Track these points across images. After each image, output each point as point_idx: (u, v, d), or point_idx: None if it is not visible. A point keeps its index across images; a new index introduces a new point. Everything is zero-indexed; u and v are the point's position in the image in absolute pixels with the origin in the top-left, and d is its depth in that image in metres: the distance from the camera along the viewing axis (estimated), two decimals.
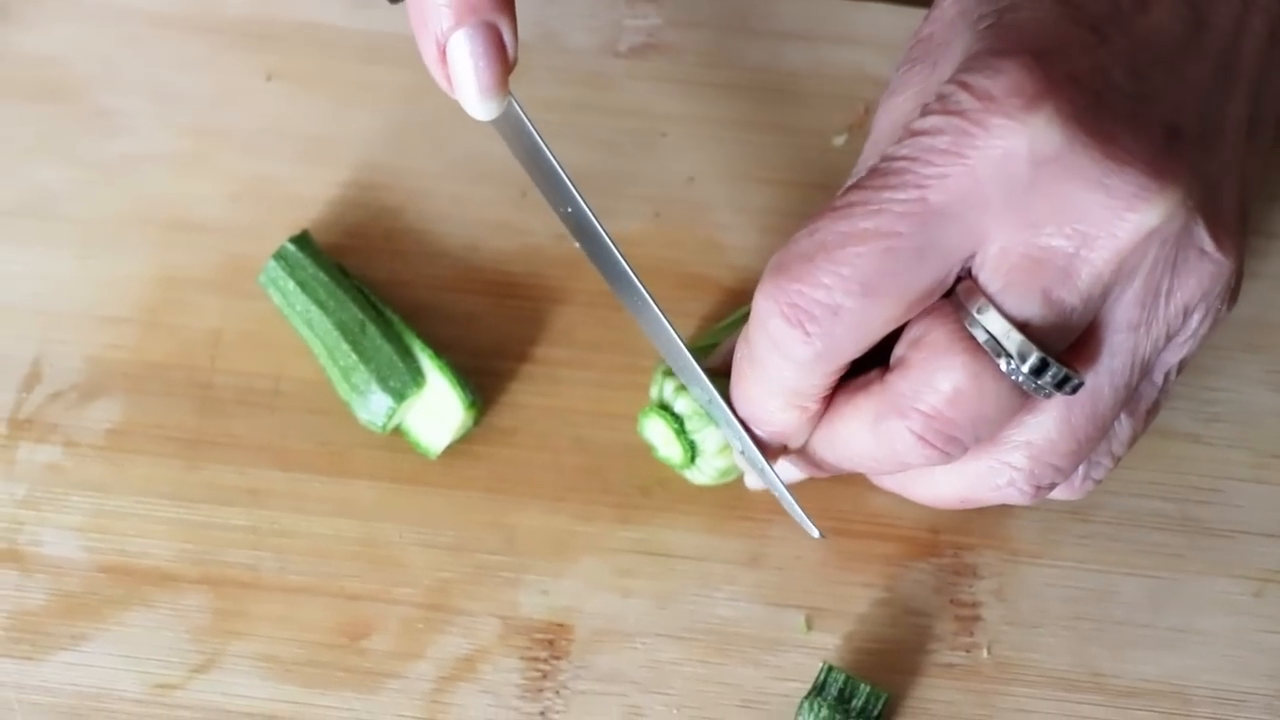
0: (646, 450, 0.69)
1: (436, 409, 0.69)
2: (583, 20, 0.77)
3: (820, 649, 0.68)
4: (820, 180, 0.74)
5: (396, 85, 0.75)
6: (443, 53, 0.62)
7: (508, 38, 0.62)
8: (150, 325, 0.72)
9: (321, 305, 0.70)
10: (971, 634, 0.68)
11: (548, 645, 0.68)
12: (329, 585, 0.68)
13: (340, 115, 0.75)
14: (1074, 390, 0.60)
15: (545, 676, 0.67)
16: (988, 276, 0.59)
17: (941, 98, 0.59)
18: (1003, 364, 0.59)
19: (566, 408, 0.71)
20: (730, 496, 0.70)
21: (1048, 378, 0.59)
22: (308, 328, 0.70)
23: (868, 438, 0.62)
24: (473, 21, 0.61)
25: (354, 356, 0.69)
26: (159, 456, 0.70)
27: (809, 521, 0.66)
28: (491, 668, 0.68)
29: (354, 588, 0.68)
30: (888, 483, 0.67)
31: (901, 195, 0.59)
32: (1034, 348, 0.59)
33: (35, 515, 0.69)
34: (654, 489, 0.70)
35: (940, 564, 0.69)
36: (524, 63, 0.75)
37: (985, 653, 0.68)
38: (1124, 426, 0.64)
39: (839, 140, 0.75)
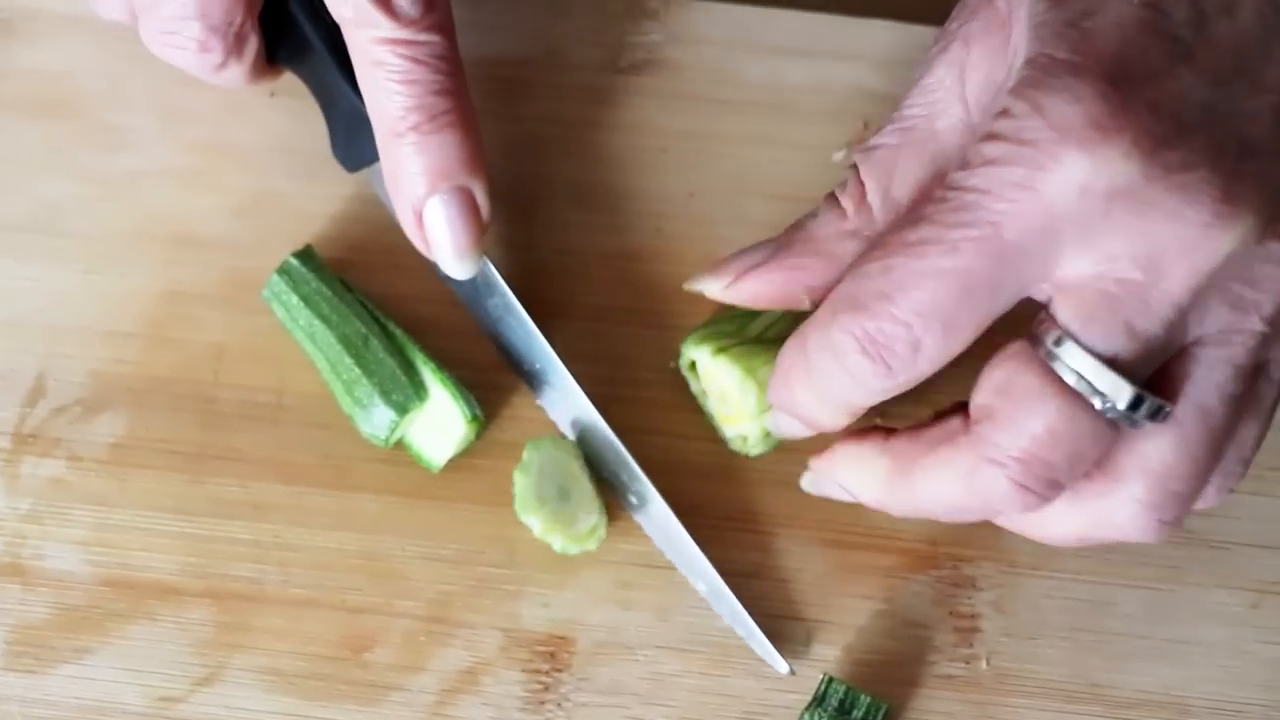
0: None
1: (439, 422, 0.70)
2: (585, 36, 0.77)
3: (820, 660, 0.68)
4: (821, 195, 0.74)
5: None
6: (419, 218, 0.65)
7: (480, 199, 0.66)
8: (154, 340, 0.72)
9: (324, 319, 0.70)
10: (970, 645, 0.69)
11: (549, 658, 0.68)
12: (331, 598, 0.69)
13: None
14: (1165, 418, 0.59)
15: (547, 689, 0.68)
16: (1065, 312, 0.59)
17: (1011, 116, 0.58)
18: (1096, 402, 0.58)
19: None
20: (731, 508, 0.70)
21: (1143, 411, 0.59)
22: (311, 342, 0.71)
23: (958, 489, 0.61)
24: (446, 187, 0.65)
25: (357, 370, 0.70)
26: (162, 470, 0.70)
27: (777, 655, 0.67)
28: (493, 680, 0.68)
29: (356, 600, 0.69)
30: (1000, 519, 0.65)
31: (975, 232, 0.58)
32: (1126, 383, 0.58)
33: (39, 529, 0.69)
34: None
35: (939, 576, 0.70)
36: (525, 79, 0.76)
37: (984, 664, 0.68)
38: (1250, 429, 0.63)
39: (838, 155, 0.75)
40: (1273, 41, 0.60)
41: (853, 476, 0.64)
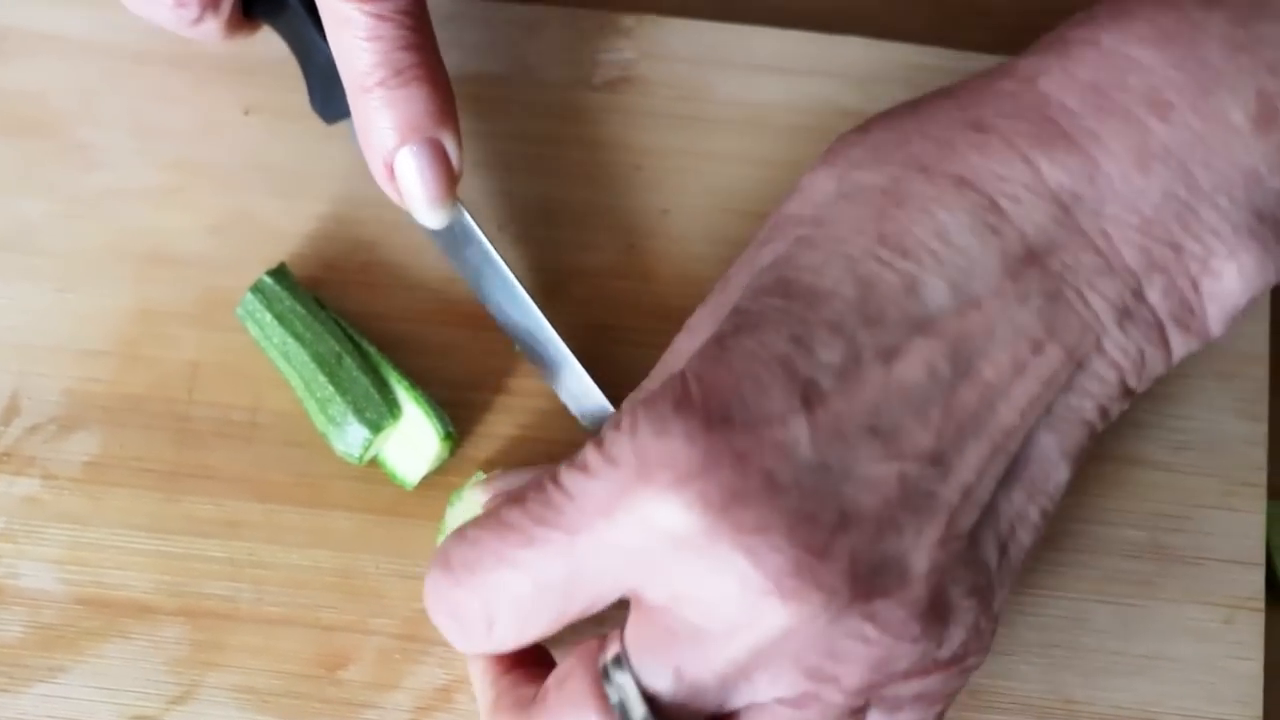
0: None
1: (413, 440, 0.70)
2: (557, 54, 0.77)
3: None
4: None
5: None
6: (390, 170, 0.66)
7: (451, 149, 0.66)
8: (128, 358, 0.72)
9: (298, 337, 0.70)
10: None
11: None
12: (306, 616, 0.69)
13: (318, 149, 0.75)
14: None
15: None
16: (631, 631, 0.58)
17: (616, 428, 0.57)
18: None
19: (542, 438, 0.71)
20: None
21: None
22: (285, 360, 0.71)
23: None
24: (416, 139, 0.66)
25: (330, 388, 0.70)
26: (137, 489, 0.70)
27: None
28: (468, 698, 0.68)
29: (331, 619, 0.69)
30: None
31: (553, 535, 0.58)
32: None
33: (13, 548, 0.69)
34: None
35: None
36: (498, 96, 0.76)
37: None
38: None
39: None
40: (934, 400, 0.58)
41: (474, 671, 0.64)
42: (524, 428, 0.71)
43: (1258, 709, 0.69)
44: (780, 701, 0.58)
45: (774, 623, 0.55)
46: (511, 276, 0.70)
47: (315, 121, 0.75)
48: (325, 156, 0.75)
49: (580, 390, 0.70)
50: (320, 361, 0.70)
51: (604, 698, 0.58)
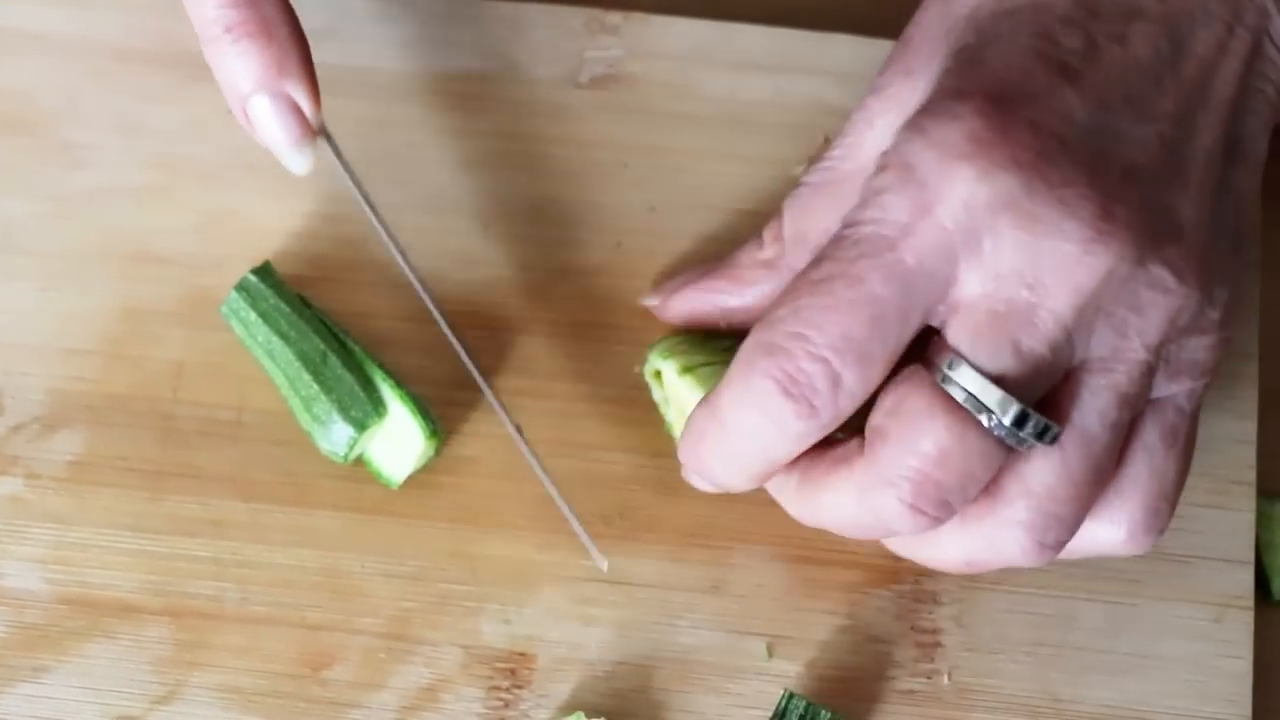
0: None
1: (398, 439, 0.69)
2: (544, 52, 0.77)
3: (781, 676, 0.68)
4: (781, 210, 0.74)
5: (357, 117, 0.75)
6: (246, 117, 0.68)
7: (302, 101, 0.68)
8: (113, 357, 0.72)
9: (283, 336, 0.70)
10: (932, 660, 0.69)
11: (510, 674, 0.68)
12: (291, 616, 0.69)
13: None
14: (1054, 440, 0.60)
15: (507, 706, 0.68)
16: (956, 333, 0.60)
17: (899, 147, 0.60)
18: (983, 419, 0.59)
19: (528, 437, 0.71)
20: (692, 524, 0.70)
21: (1029, 429, 0.60)
22: (269, 358, 0.70)
23: (854, 508, 0.62)
24: (269, 90, 0.67)
25: (315, 387, 0.69)
26: (121, 488, 0.70)
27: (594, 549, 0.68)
28: (454, 697, 0.68)
29: (316, 618, 0.69)
30: (892, 543, 0.66)
31: (876, 260, 0.60)
32: (1013, 400, 0.59)
33: None
34: (615, 518, 0.70)
35: (901, 591, 0.69)
36: (485, 94, 0.76)
37: (946, 679, 0.68)
38: (1170, 465, 0.63)
39: (799, 170, 0.75)
40: (1165, 72, 0.62)
41: (747, 483, 0.65)
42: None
43: (1246, 708, 0.68)
44: (1099, 363, 0.61)
45: (1093, 268, 0.59)
46: (370, 211, 0.70)
47: None
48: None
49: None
50: (305, 360, 0.70)
51: (950, 399, 0.60)
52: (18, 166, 0.75)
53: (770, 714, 0.67)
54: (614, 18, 0.77)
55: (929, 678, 0.68)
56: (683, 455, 0.65)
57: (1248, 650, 0.69)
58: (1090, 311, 0.60)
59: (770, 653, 0.68)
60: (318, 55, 0.74)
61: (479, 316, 0.73)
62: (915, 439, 0.60)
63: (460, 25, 0.77)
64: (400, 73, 0.76)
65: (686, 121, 0.76)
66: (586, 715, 0.66)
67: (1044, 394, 0.61)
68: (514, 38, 0.77)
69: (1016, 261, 0.59)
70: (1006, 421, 0.59)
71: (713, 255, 0.73)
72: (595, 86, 0.77)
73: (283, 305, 0.70)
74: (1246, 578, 0.70)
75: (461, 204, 0.74)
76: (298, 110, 0.67)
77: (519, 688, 0.68)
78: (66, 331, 0.72)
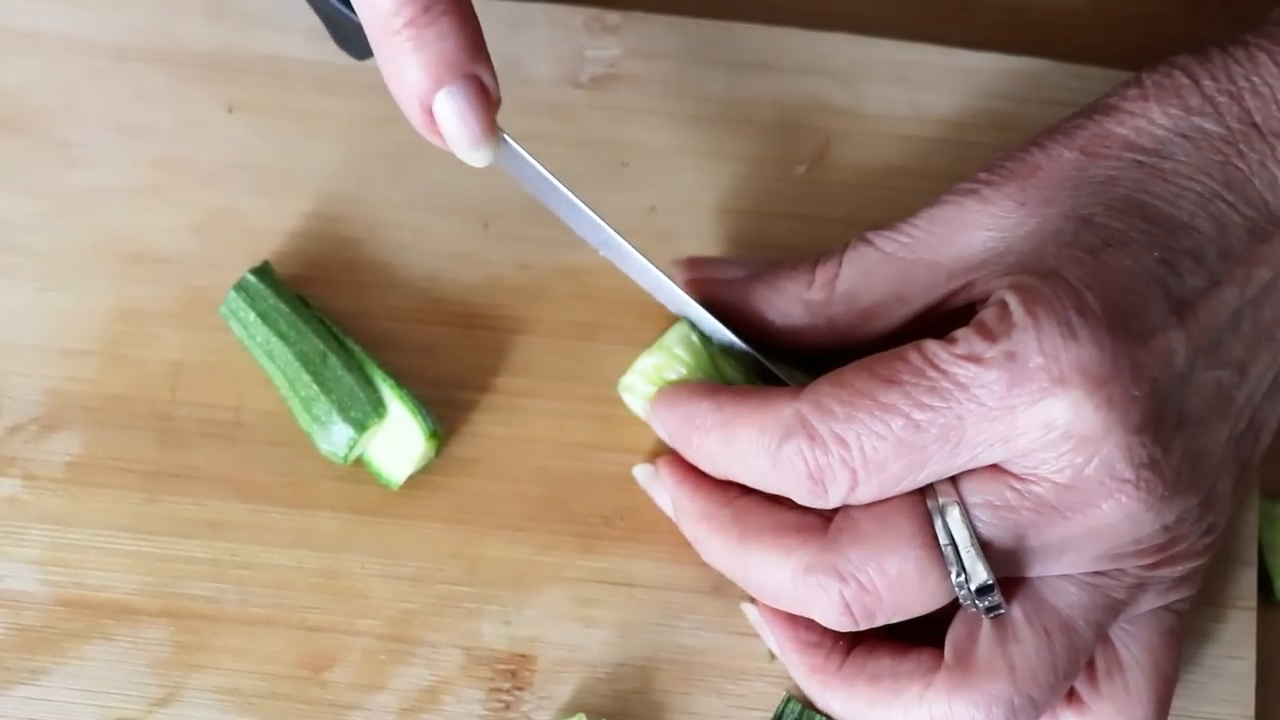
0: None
1: (398, 439, 0.69)
2: (544, 51, 0.77)
3: (783, 678, 0.68)
4: (782, 209, 0.74)
5: (357, 116, 0.75)
6: (429, 114, 0.62)
7: (489, 82, 0.62)
8: (111, 357, 0.72)
9: (282, 336, 0.70)
10: None
11: (510, 676, 0.68)
12: (290, 617, 0.68)
13: (301, 147, 0.75)
14: (997, 616, 0.63)
15: (508, 707, 0.67)
16: (973, 491, 0.62)
17: (1009, 320, 0.61)
18: (952, 572, 0.62)
19: (528, 438, 0.71)
20: None
21: (986, 600, 0.62)
22: (269, 359, 0.70)
23: (787, 580, 0.64)
24: (452, 78, 0.61)
25: (315, 387, 0.69)
26: (119, 489, 0.70)
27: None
28: (454, 699, 0.67)
29: (315, 619, 0.68)
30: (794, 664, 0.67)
31: (940, 420, 0.61)
32: (988, 572, 0.62)
33: None
34: (616, 519, 0.70)
35: None
36: None
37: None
38: (1169, 662, 0.66)
39: (800, 170, 0.75)
40: (1245, 317, 0.64)
41: (693, 512, 0.67)
42: (510, 426, 0.71)
43: (1249, 708, 0.68)
44: (1066, 579, 0.63)
45: (1119, 509, 0.61)
46: (575, 199, 0.67)
47: (299, 119, 0.74)
48: (309, 154, 0.75)
49: (652, 284, 0.70)
50: (304, 360, 0.69)
51: (934, 535, 0.62)
52: (14, 166, 0.74)
53: (771, 716, 0.66)
54: (614, 17, 0.77)
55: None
56: (659, 412, 0.67)
57: (1250, 651, 0.69)
58: (1091, 538, 0.62)
59: (771, 654, 0.68)
60: (316, 54, 0.74)
61: (478, 316, 0.72)
62: (886, 554, 0.62)
63: None
64: None
65: (687, 121, 0.76)
66: (588, 717, 0.66)
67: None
68: (514, 37, 0.77)
69: (1057, 478, 0.61)
70: (972, 586, 0.62)
71: (714, 255, 0.73)
72: (595, 86, 0.76)
73: (282, 305, 0.70)
74: (1249, 578, 0.70)
75: (461, 203, 0.74)
76: (488, 96, 0.62)
77: (520, 689, 0.68)
78: (64, 331, 0.72)
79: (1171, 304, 0.62)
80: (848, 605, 0.62)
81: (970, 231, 0.65)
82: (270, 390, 0.71)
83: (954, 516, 0.62)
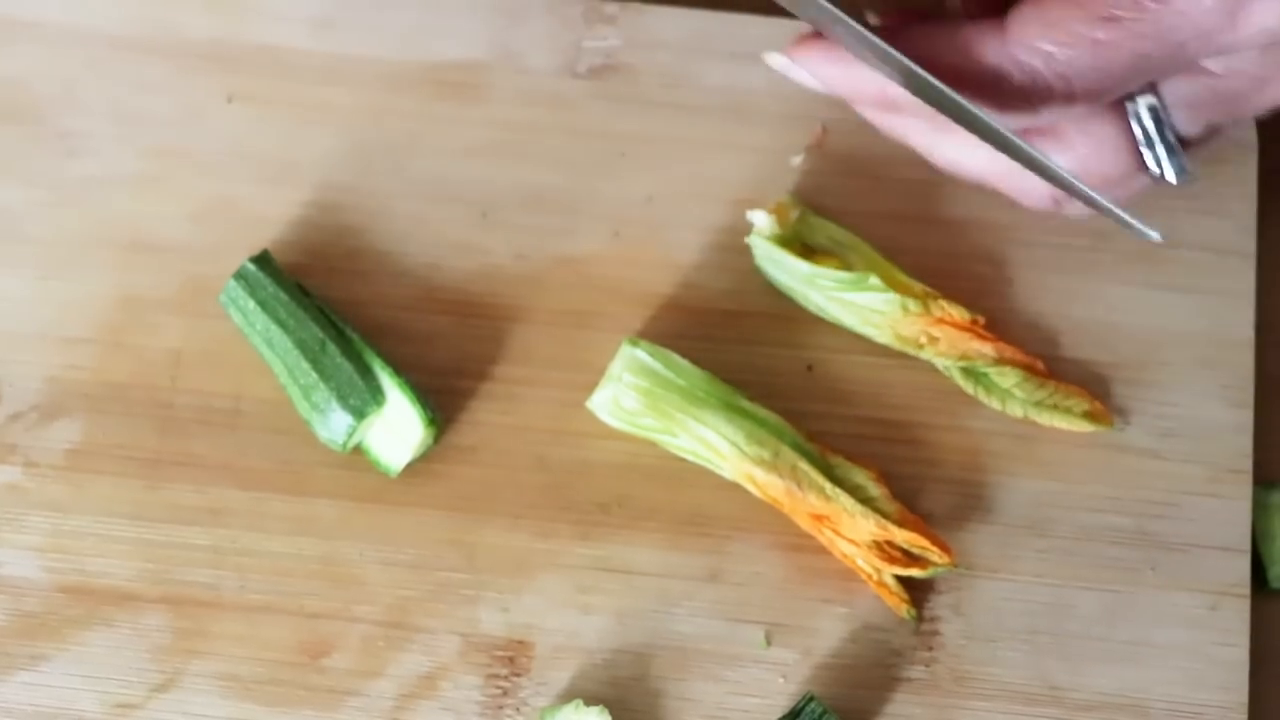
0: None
1: (396, 427, 0.69)
2: (542, 41, 0.77)
3: (779, 664, 0.68)
4: (779, 199, 0.74)
5: (357, 106, 0.75)
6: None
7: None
8: (110, 345, 0.72)
9: (282, 324, 0.70)
10: (930, 648, 0.69)
11: (508, 662, 0.68)
12: (289, 604, 0.69)
13: (301, 136, 0.75)
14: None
15: (506, 694, 0.68)
16: (1175, 93, 0.65)
17: None
18: (1149, 163, 0.65)
19: (526, 425, 0.71)
20: (690, 513, 0.70)
21: (1177, 182, 0.66)
22: (268, 347, 0.70)
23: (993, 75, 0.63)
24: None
25: (314, 375, 0.69)
26: (119, 476, 0.70)
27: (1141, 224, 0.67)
28: (452, 685, 0.68)
29: (314, 606, 0.69)
30: (913, 136, 0.68)
31: (1162, 50, 0.62)
32: (1183, 166, 0.65)
33: None
34: (613, 506, 0.70)
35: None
36: (483, 83, 0.76)
37: (943, 667, 0.68)
38: None
39: (796, 160, 0.75)
40: None
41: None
42: (508, 414, 0.71)
43: (1243, 696, 0.68)
44: None
45: None
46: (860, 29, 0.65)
47: (299, 109, 0.75)
48: (308, 143, 0.75)
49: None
50: (304, 348, 0.70)
51: (1134, 141, 0.65)
52: (14, 155, 0.75)
53: (768, 703, 0.67)
54: (612, 7, 0.77)
55: (927, 665, 0.68)
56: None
57: (1244, 638, 0.69)
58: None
59: (768, 641, 0.68)
60: (317, 44, 0.75)
61: (477, 305, 0.73)
62: (1092, 154, 0.65)
63: (457, 14, 0.77)
64: (399, 61, 0.76)
65: (684, 111, 0.76)
66: (585, 703, 0.66)
67: None
68: (512, 27, 0.77)
69: (1253, 70, 0.63)
70: (1168, 179, 0.65)
71: (710, 245, 0.74)
72: (593, 76, 0.77)
73: (281, 294, 0.70)
74: (1243, 566, 0.70)
75: (460, 193, 0.74)
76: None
77: (517, 675, 0.68)
78: (64, 320, 0.72)
79: None
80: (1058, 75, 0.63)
81: None
82: (269, 378, 0.71)
83: (1149, 113, 0.64)
